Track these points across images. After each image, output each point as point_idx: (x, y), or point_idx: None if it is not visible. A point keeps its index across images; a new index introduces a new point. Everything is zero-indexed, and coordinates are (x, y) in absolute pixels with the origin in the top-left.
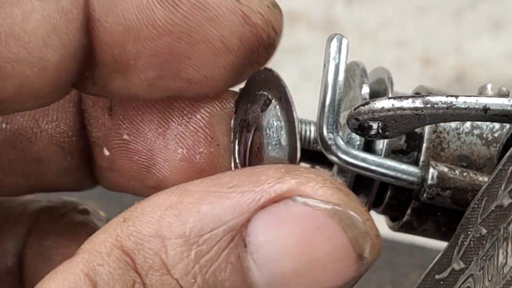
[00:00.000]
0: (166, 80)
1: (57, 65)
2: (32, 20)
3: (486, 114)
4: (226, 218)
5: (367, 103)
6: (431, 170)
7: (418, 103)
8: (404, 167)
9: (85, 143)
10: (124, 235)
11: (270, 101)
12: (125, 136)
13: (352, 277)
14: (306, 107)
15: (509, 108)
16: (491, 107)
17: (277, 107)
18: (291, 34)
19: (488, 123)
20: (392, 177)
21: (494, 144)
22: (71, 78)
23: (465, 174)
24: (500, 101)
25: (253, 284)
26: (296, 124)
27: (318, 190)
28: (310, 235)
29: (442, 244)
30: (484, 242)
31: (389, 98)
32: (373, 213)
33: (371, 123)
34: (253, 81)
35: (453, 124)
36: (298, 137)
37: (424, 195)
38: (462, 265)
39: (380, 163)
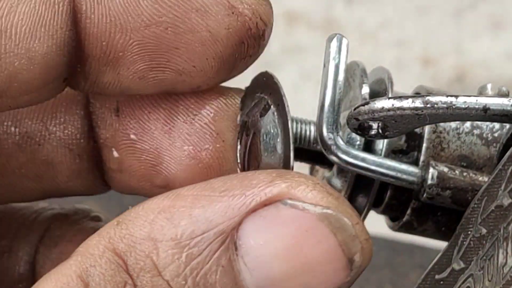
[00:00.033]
0: (156, 72)
1: (45, 57)
2: (19, 12)
3: (486, 114)
4: (217, 221)
5: (367, 103)
6: (431, 170)
7: (418, 103)
8: (404, 167)
9: (93, 145)
10: (117, 238)
11: (269, 107)
12: (132, 136)
13: (343, 281)
14: (306, 107)
15: (509, 108)
16: (491, 107)
17: (275, 113)
18: (291, 34)
19: (488, 123)
20: (392, 177)
21: (494, 144)
22: (61, 71)
23: (465, 174)
24: (500, 101)
25: (244, 287)
26: (290, 133)
27: (308, 194)
28: (299, 238)
29: (442, 244)
30: (484, 242)
31: (389, 98)
32: (373, 213)
33: (371, 123)
34: (256, 82)
35: (453, 124)
36: (292, 146)
37: (424, 195)
38: (462, 265)
39: (380, 163)
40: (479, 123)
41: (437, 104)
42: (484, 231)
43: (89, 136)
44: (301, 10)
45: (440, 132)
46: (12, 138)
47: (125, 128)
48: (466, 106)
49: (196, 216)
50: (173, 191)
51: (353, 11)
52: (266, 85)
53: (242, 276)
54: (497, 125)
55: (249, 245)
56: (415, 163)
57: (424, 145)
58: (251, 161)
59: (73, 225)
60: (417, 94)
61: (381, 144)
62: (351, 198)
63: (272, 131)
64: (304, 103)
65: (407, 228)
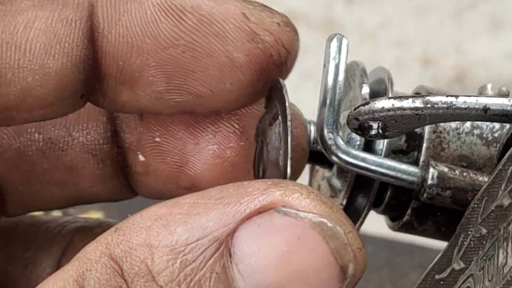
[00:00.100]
0: (173, 94)
1: (59, 73)
2: (35, 28)
3: (486, 114)
4: (212, 228)
5: (367, 103)
6: (431, 170)
7: (418, 103)
8: (404, 167)
9: (117, 150)
10: (114, 244)
11: (277, 117)
12: (157, 139)
13: None
14: (306, 107)
15: (509, 108)
16: (491, 107)
17: (281, 125)
18: None
19: (488, 123)
20: (392, 177)
21: (494, 144)
22: (77, 88)
23: (465, 174)
24: (500, 101)
25: None
26: (289, 150)
27: (302, 201)
28: (292, 246)
29: (442, 244)
30: (484, 242)
31: (389, 98)
32: (373, 213)
33: (371, 123)
34: (274, 87)
35: (453, 124)
36: (289, 162)
37: (424, 195)
38: (462, 265)
39: (380, 163)
40: (479, 123)
41: (437, 104)
42: (484, 231)
43: (112, 141)
44: (301, 10)
45: (440, 132)
46: (36, 144)
47: (150, 131)
48: (466, 106)
49: (192, 223)
50: (172, 199)
51: (353, 11)
52: (279, 94)
53: (236, 283)
54: (497, 125)
55: (243, 252)
56: (415, 163)
57: (424, 145)
58: (260, 168)
59: (95, 237)
60: (417, 94)
61: (381, 144)
62: (351, 198)
63: (276, 143)
64: (304, 103)
65: (407, 228)
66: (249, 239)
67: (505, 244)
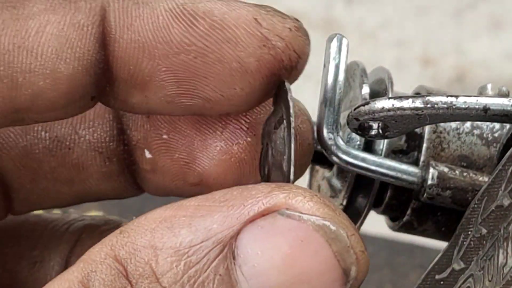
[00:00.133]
0: (183, 98)
1: (70, 77)
2: (46, 33)
3: (486, 114)
4: (216, 230)
5: (367, 103)
6: (431, 170)
7: (418, 103)
8: (404, 167)
9: (123, 148)
10: (119, 245)
11: (282, 121)
12: (164, 136)
13: None
14: (306, 107)
15: (509, 108)
16: (491, 107)
17: (285, 130)
18: None
19: (488, 123)
20: (392, 177)
21: (494, 144)
22: (88, 91)
23: (465, 174)
24: (500, 101)
25: None
26: (292, 157)
27: (305, 204)
28: (295, 248)
29: (442, 244)
30: (484, 242)
31: (389, 98)
32: (373, 213)
33: (371, 123)
34: (281, 89)
35: (453, 124)
36: (292, 169)
37: (424, 195)
38: (462, 265)
39: (380, 163)
40: (479, 123)
41: (437, 104)
42: (484, 231)
43: (118, 139)
44: (301, 10)
45: (440, 132)
46: (42, 143)
47: (157, 128)
48: (466, 106)
49: (196, 225)
50: (177, 202)
51: (353, 11)
52: (284, 97)
53: (239, 285)
54: (497, 125)
55: (247, 254)
56: (415, 163)
57: (424, 145)
58: (266, 169)
59: (102, 235)
60: (417, 94)
61: (381, 144)
62: (351, 198)
63: (280, 147)
64: (304, 103)
65: (407, 228)
66: (252, 241)
67: (505, 244)
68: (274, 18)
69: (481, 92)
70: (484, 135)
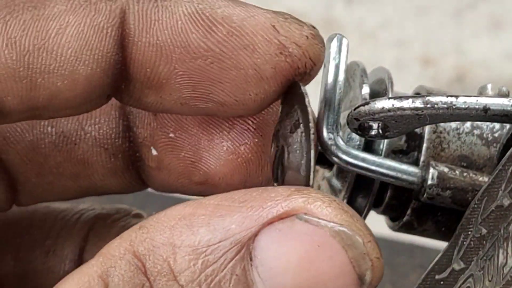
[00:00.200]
0: (198, 101)
1: (88, 79)
2: (66, 34)
3: (486, 114)
4: (234, 231)
5: (367, 103)
6: (431, 170)
7: (418, 103)
8: (404, 167)
9: (129, 144)
10: (138, 241)
11: (299, 125)
12: (171, 134)
13: None
14: None
15: (509, 108)
16: (491, 107)
17: (303, 134)
18: None
19: (488, 123)
20: (392, 177)
21: (494, 144)
22: (104, 91)
23: (465, 174)
24: (500, 101)
25: None
26: (312, 163)
27: (324, 210)
28: (312, 253)
29: (442, 244)
30: (484, 242)
31: (389, 98)
32: (373, 213)
33: (371, 123)
34: (293, 91)
35: (453, 124)
36: (312, 175)
37: (424, 195)
38: (462, 265)
39: (380, 163)
40: (479, 123)
41: (437, 104)
42: (484, 231)
43: (124, 135)
44: (301, 10)
45: (440, 132)
46: (48, 138)
47: (164, 126)
48: (466, 106)
49: (214, 224)
50: (197, 199)
51: (353, 11)
52: (300, 100)
53: (256, 286)
54: (497, 125)
55: (264, 256)
56: (415, 163)
57: (424, 145)
58: (279, 171)
59: (116, 222)
60: (417, 94)
61: (381, 144)
62: (351, 198)
63: (298, 152)
64: None
65: (407, 228)
66: (270, 243)
67: (505, 244)
68: (292, 26)
69: (481, 92)
70: (484, 135)
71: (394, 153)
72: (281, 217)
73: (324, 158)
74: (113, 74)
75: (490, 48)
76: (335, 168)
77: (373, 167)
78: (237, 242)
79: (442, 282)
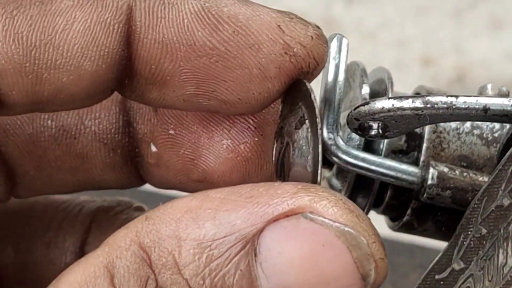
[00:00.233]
0: (201, 98)
1: (94, 74)
2: (73, 30)
3: (486, 114)
4: (240, 226)
5: (367, 103)
6: (431, 170)
7: (418, 103)
8: (404, 167)
9: (128, 140)
10: (144, 232)
11: (305, 121)
12: (171, 131)
13: None
14: None
15: (509, 108)
16: (491, 107)
17: (309, 130)
18: None
19: (488, 123)
20: (392, 177)
21: (494, 144)
22: (109, 86)
23: (465, 174)
24: (500, 101)
25: None
26: (320, 158)
27: (329, 209)
28: (316, 252)
29: (442, 244)
30: (484, 242)
31: (389, 98)
32: (373, 213)
33: (371, 123)
34: (297, 88)
35: (453, 124)
36: (320, 170)
37: (424, 195)
38: (462, 265)
39: (380, 163)
40: (479, 123)
41: (437, 104)
42: (484, 231)
43: (124, 131)
44: (301, 10)
45: (440, 132)
46: (48, 131)
47: (164, 123)
48: (466, 106)
49: (220, 219)
50: (203, 192)
51: (353, 11)
52: (305, 96)
53: (259, 281)
54: (497, 125)
55: (268, 252)
56: (415, 163)
57: (424, 145)
58: (284, 167)
59: (118, 215)
60: (417, 94)
61: (381, 144)
62: (351, 198)
63: (304, 148)
64: None
65: (407, 228)
66: (275, 240)
67: (505, 244)
68: (297, 26)
69: (481, 92)
70: (484, 135)
71: (394, 153)
72: (286, 215)
73: (324, 158)
74: (118, 70)
75: (490, 48)
76: (335, 168)
77: (373, 167)
78: (242, 237)
79: (442, 282)
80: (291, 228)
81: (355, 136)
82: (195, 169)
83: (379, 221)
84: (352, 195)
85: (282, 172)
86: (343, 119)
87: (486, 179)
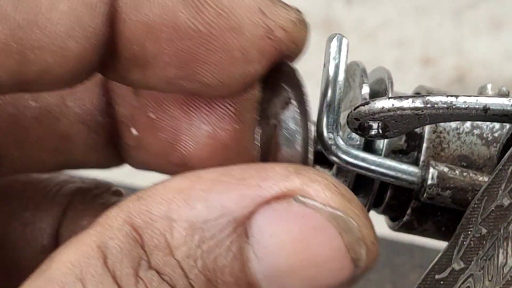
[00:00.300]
0: (183, 81)
1: (78, 55)
2: (58, 10)
3: (486, 114)
4: (231, 208)
5: (367, 103)
6: (431, 170)
7: (418, 103)
8: (404, 167)
9: (110, 121)
10: (136, 213)
11: (290, 101)
12: (151, 115)
13: (347, 279)
14: None
15: (509, 108)
16: (491, 107)
17: (296, 109)
18: None
19: (488, 123)
20: (392, 177)
21: (494, 144)
22: (94, 67)
23: (465, 174)
24: (500, 101)
25: (251, 274)
26: (311, 134)
27: (321, 193)
28: (307, 235)
29: (442, 244)
30: (484, 242)
31: (389, 98)
32: (373, 213)
33: (371, 123)
34: (278, 71)
35: (453, 124)
36: (311, 148)
37: (424, 195)
38: (462, 265)
39: (380, 163)
40: (479, 123)
41: (437, 104)
42: (484, 231)
43: (106, 113)
44: (300, 9)
45: (440, 132)
46: (30, 112)
47: (144, 106)
48: (466, 106)
49: (212, 201)
50: (195, 172)
51: (353, 11)
52: (289, 77)
53: (250, 264)
54: (497, 125)
55: (260, 235)
56: (415, 163)
57: (424, 145)
58: (270, 149)
59: (95, 199)
60: (417, 94)
61: (381, 144)
62: None
63: (292, 127)
64: None
65: (407, 228)
66: (266, 223)
67: (505, 244)
68: (279, 9)
69: (481, 92)
70: (484, 135)
71: (394, 153)
72: (278, 197)
73: (324, 158)
74: (101, 51)
75: (490, 48)
76: (335, 168)
77: (373, 167)
78: (234, 219)
79: (442, 282)
80: (282, 211)
81: (355, 136)
82: (174, 153)
83: (379, 221)
84: None
85: (268, 155)
86: (343, 119)
87: (486, 179)
